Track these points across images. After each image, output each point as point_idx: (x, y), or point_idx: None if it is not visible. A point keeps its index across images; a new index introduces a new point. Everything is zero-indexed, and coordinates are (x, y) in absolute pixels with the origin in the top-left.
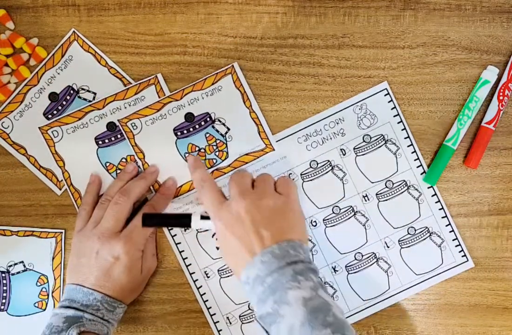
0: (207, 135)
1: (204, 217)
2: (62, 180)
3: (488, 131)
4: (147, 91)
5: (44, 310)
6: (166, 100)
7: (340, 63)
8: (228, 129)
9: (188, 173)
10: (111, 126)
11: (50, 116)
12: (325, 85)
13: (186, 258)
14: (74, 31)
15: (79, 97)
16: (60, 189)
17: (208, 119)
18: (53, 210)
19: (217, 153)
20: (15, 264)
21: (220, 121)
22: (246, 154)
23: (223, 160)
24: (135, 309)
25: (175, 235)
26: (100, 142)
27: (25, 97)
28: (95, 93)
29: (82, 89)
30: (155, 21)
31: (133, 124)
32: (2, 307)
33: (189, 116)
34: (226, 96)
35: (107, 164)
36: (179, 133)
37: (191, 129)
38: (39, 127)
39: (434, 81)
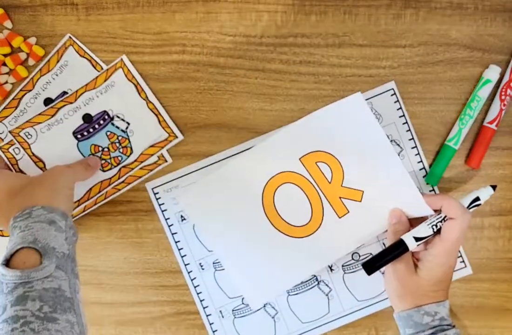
0: (108, 133)
1: (417, 239)
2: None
3: (490, 131)
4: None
5: None
6: (60, 104)
7: (340, 62)
8: (128, 124)
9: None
10: (87, 117)
11: (79, 136)
12: (325, 84)
13: (182, 248)
14: (70, 37)
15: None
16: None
17: (106, 117)
18: None
19: (121, 150)
20: None
21: (119, 117)
22: (152, 146)
23: (128, 156)
24: (134, 311)
25: (172, 225)
26: (79, 136)
27: (20, 102)
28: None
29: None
30: (154, 20)
31: (27, 133)
32: None
33: (87, 117)
34: (120, 90)
35: None
36: (79, 136)
37: (91, 130)
38: (9, 131)
39: (435, 80)
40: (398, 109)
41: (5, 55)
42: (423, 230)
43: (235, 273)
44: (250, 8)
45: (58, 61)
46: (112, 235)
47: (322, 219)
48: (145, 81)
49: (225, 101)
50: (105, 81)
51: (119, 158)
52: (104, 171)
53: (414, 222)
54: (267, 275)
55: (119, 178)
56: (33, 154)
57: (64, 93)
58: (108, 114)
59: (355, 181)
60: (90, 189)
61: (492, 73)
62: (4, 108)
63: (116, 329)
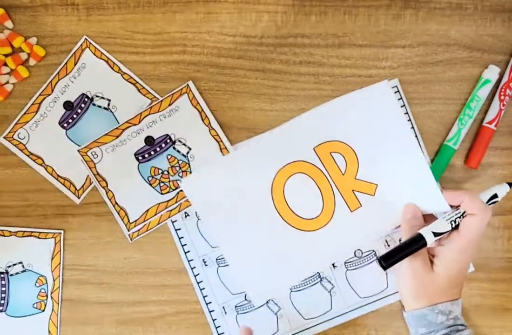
0: (169, 156)
1: (436, 234)
2: (80, 189)
3: (489, 131)
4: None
5: (43, 311)
6: (125, 125)
7: (340, 62)
8: (190, 148)
9: (151, 197)
10: (149, 140)
11: (65, 124)
12: (325, 84)
13: (185, 244)
14: (86, 38)
15: (94, 104)
16: (79, 198)
17: (168, 140)
18: (52, 211)
19: (180, 174)
20: (14, 264)
21: (180, 141)
22: None
23: None
24: (134, 310)
25: (175, 221)
26: (140, 158)
27: (40, 107)
28: (109, 100)
29: (96, 96)
30: (154, 20)
31: (93, 153)
32: (1, 308)
33: (149, 140)
34: (184, 116)
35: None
36: (140, 158)
37: (152, 153)
38: (78, 150)
39: (435, 80)
40: (401, 106)
41: (6, 55)
42: (442, 225)
43: (238, 267)
44: (250, 8)
45: (75, 64)
46: (113, 234)
47: (334, 212)
48: (209, 108)
49: (225, 101)
50: (169, 105)
51: (178, 181)
52: (162, 194)
53: (427, 218)
54: (273, 270)
55: (176, 202)
56: (98, 173)
57: (83, 95)
58: (170, 138)
59: (369, 174)
60: (147, 210)
61: (491, 73)
62: (25, 114)
63: (116, 329)
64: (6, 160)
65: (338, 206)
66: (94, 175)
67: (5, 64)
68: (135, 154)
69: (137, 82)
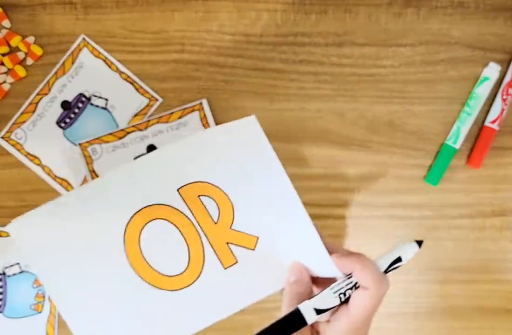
0: None
1: (319, 310)
2: None
3: (491, 131)
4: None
5: (41, 312)
6: (130, 129)
7: (340, 61)
8: None
9: None
10: (151, 149)
11: (63, 124)
12: (326, 83)
13: None
14: (83, 37)
15: (92, 104)
16: None
17: None
18: None
19: None
20: (11, 265)
21: None
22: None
23: None
24: None
25: None
26: None
27: (37, 106)
28: (107, 99)
29: (94, 95)
30: (153, 19)
31: (93, 149)
32: None
33: (151, 148)
34: (190, 131)
35: None
36: None
37: None
38: (79, 143)
39: (436, 79)
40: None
41: (3, 55)
42: (328, 299)
43: (79, 325)
44: (250, 7)
45: (73, 63)
46: None
47: (202, 268)
48: (215, 121)
49: (224, 100)
50: (179, 118)
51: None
52: None
53: (320, 280)
54: None
55: None
56: (93, 170)
57: (81, 95)
58: None
59: (248, 224)
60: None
61: (491, 71)
62: (22, 113)
63: None
64: (3, 160)
65: (208, 261)
66: (90, 171)
67: (2, 64)
68: (134, 158)
69: (135, 82)
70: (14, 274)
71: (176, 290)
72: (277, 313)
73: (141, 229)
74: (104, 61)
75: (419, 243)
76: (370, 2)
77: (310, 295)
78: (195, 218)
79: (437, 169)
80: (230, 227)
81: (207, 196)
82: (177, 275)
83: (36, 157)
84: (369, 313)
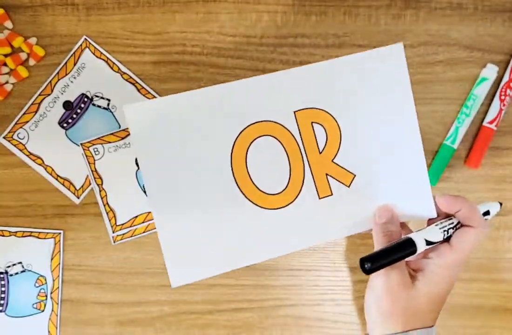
0: None
1: (428, 242)
2: (80, 189)
3: (489, 131)
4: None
5: (43, 311)
6: None
7: None
8: None
9: (142, 205)
10: None
11: (65, 124)
12: None
13: None
14: (85, 38)
15: (93, 104)
16: (78, 198)
17: None
18: (51, 211)
19: None
20: (14, 264)
21: None
22: None
23: None
24: (133, 311)
25: None
26: None
27: (39, 107)
28: (109, 100)
29: (96, 96)
30: (154, 20)
31: (95, 149)
32: (0, 308)
33: None
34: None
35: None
36: None
37: None
38: (81, 143)
39: (435, 80)
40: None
41: (5, 55)
42: (434, 233)
43: (169, 236)
44: (250, 8)
45: (75, 64)
46: None
47: (299, 192)
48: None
49: None
50: None
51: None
52: None
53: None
54: (211, 249)
55: None
56: (95, 170)
57: (83, 95)
58: None
59: (349, 160)
60: (136, 217)
61: (489, 71)
62: (24, 114)
63: (116, 329)
64: (6, 160)
65: (306, 186)
66: (92, 171)
67: (5, 64)
68: (137, 160)
69: (137, 82)
70: (17, 273)
71: (271, 209)
72: (278, 312)
73: (250, 144)
74: (106, 61)
75: (500, 204)
76: (370, 4)
77: (400, 236)
78: (302, 143)
79: (436, 168)
80: (332, 160)
81: (320, 124)
82: (275, 194)
83: (38, 157)
84: (470, 250)
